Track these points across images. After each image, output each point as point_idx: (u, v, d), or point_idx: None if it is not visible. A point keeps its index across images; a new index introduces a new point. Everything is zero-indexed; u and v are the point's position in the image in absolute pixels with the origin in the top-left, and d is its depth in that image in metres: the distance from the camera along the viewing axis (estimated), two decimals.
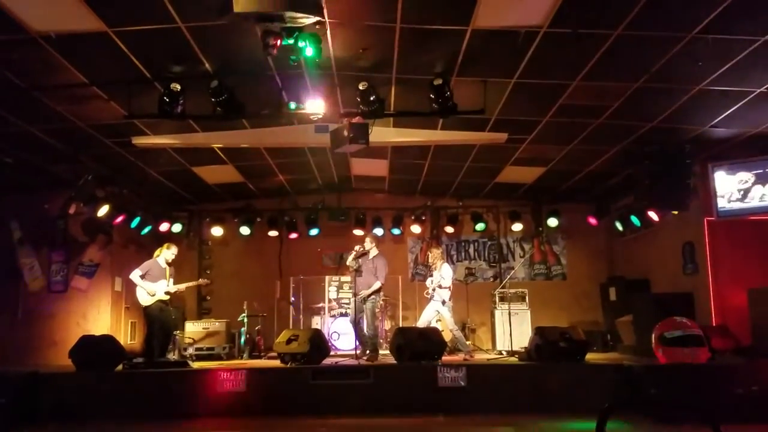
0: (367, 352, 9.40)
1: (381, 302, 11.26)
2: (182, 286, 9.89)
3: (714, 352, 7.53)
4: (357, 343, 9.59)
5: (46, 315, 10.81)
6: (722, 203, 9.27)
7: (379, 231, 12.69)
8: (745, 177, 9.15)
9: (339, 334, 11.15)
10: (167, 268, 9.54)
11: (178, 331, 10.94)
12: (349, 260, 9.59)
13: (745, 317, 8.73)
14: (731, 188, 9.21)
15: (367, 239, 9.88)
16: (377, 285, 9.52)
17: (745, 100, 7.59)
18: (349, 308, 10.91)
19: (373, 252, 9.71)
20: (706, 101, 7.68)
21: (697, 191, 9.42)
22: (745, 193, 9.13)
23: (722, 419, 2.83)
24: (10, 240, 10.88)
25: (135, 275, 9.18)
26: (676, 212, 9.79)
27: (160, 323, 9.26)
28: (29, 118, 8.15)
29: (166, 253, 9.58)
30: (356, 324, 9.54)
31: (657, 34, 6.21)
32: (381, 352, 9.69)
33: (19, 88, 7.17)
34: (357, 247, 9.69)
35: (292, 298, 12.18)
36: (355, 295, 9.53)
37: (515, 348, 9.99)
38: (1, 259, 10.65)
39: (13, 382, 7.41)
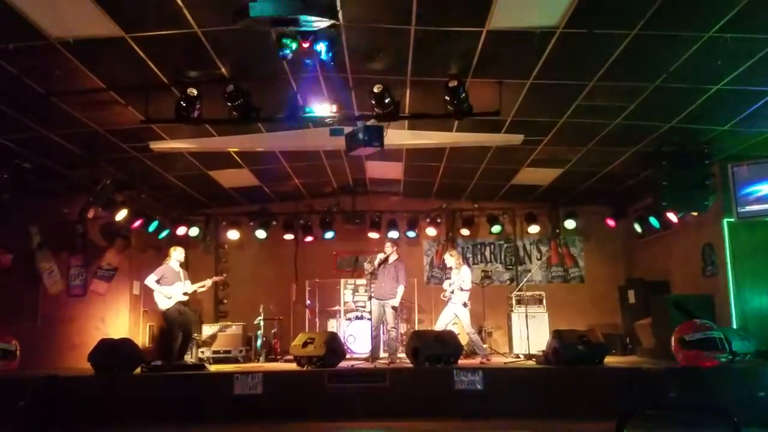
0: (389, 356, 9.44)
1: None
2: (199, 285, 9.88)
3: (734, 355, 7.43)
4: (383, 347, 9.69)
5: (66, 319, 10.90)
6: (742, 204, 9.15)
7: (394, 234, 12.67)
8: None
9: (355, 337, 11.14)
10: (181, 270, 9.61)
11: (196, 334, 11.00)
12: (368, 265, 9.66)
13: (765, 319, 8.61)
14: (751, 189, 9.09)
15: (387, 244, 9.97)
16: (402, 290, 9.61)
17: (765, 99, 7.47)
18: (365, 311, 10.91)
19: (393, 257, 9.75)
20: (725, 101, 7.58)
21: (716, 192, 9.30)
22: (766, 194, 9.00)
23: (743, 423, 2.78)
24: (30, 245, 10.96)
25: (150, 281, 9.22)
26: (695, 213, 9.68)
27: (180, 326, 9.30)
28: (48, 124, 8.23)
29: (175, 255, 9.65)
30: (376, 329, 9.58)
31: (674, 33, 6.15)
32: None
33: (38, 93, 7.24)
34: (380, 255, 9.77)
35: (308, 302, 12.18)
36: (370, 298, 9.58)
37: (532, 351, 9.91)
38: (20, 264, 10.74)
39: (33, 385, 7.47)
